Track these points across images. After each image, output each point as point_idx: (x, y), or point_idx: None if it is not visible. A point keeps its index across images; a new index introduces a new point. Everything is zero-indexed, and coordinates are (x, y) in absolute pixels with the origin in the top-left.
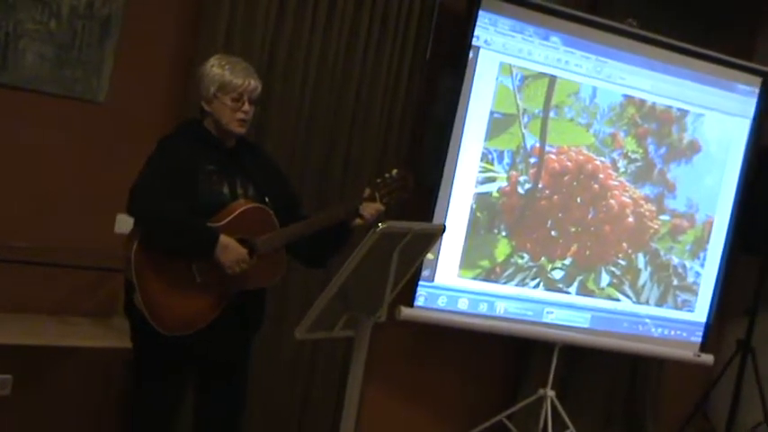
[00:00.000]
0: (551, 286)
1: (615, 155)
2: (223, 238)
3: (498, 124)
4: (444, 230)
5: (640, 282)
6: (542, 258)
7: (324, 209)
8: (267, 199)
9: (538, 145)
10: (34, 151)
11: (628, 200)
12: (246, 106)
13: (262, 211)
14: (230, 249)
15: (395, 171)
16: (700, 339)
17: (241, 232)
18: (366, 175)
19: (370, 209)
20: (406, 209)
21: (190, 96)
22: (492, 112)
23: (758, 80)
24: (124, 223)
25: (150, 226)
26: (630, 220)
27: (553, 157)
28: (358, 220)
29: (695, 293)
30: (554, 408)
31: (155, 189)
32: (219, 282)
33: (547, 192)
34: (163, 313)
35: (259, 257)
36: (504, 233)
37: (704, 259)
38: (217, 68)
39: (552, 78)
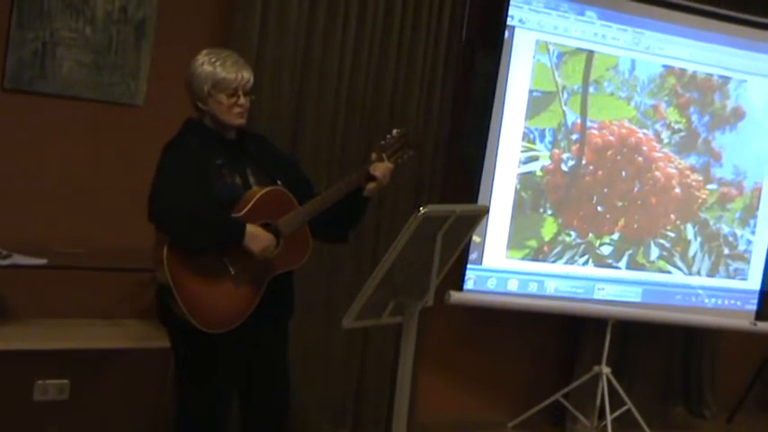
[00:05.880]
0: (601, 262)
1: (658, 126)
2: (250, 227)
3: (538, 103)
4: (488, 211)
5: (691, 253)
6: (590, 235)
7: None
8: (279, 182)
9: (579, 121)
10: (77, 158)
11: (673, 171)
12: (242, 99)
13: (279, 193)
14: (258, 236)
15: (395, 131)
16: (755, 307)
17: (263, 218)
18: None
19: (380, 168)
20: (449, 192)
21: None
22: (531, 91)
23: None
24: None
25: (177, 228)
26: (677, 191)
27: (595, 132)
28: (371, 184)
29: (747, 261)
30: (610, 384)
31: (172, 191)
32: (253, 270)
33: (591, 167)
34: (205, 312)
35: (285, 239)
36: (549, 212)
37: (754, 226)
38: (207, 66)
39: (590, 53)
